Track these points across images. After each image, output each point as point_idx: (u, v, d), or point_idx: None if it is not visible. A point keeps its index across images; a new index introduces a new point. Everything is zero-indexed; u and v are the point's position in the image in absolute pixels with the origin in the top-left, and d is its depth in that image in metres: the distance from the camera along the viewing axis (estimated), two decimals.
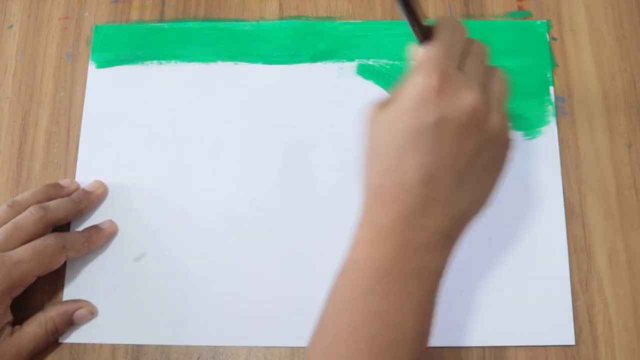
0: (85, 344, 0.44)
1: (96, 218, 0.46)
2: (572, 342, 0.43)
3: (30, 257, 0.40)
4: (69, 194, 0.45)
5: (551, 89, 0.48)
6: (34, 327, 0.41)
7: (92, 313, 0.44)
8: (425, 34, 0.34)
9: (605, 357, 0.42)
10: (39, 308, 0.44)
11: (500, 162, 0.35)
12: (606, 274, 0.44)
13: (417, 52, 0.34)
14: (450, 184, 0.32)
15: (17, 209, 0.42)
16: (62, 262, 0.42)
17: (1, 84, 0.50)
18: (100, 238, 0.45)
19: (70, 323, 0.43)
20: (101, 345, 0.44)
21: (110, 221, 0.46)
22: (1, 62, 0.51)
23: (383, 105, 0.34)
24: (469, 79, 0.33)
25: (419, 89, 0.32)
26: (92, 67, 0.50)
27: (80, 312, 0.43)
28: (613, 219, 0.45)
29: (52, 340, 0.43)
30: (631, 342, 0.43)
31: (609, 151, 0.47)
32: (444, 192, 0.32)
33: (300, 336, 0.43)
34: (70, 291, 0.45)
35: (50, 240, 0.41)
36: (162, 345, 0.44)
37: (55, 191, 0.45)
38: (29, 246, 0.41)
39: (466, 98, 0.32)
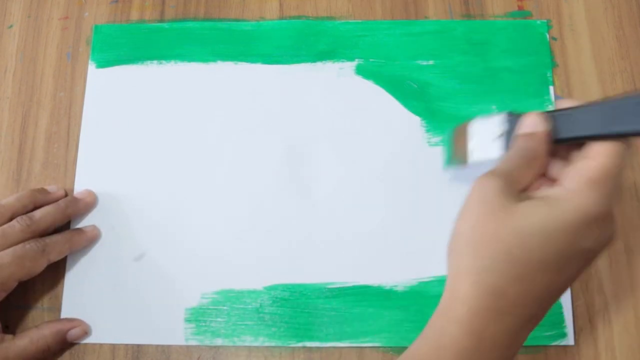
0: (85, 344, 0.44)
1: (96, 218, 0.46)
2: (572, 342, 0.43)
3: (11, 261, 0.40)
4: (55, 200, 0.45)
5: (551, 89, 0.48)
6: (25, 342, 0.41)
7: (86, 333, 0.43)
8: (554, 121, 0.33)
9: (605, 357, 0.42)
10: (39, 308, 0.44)
11: None
12: (606, 274, 0.44)
13: (543, 136, 0.32)
14: (552, 302, 0.31)
15: (1, 212, 0.42)
16: (44, 266, 0.42)
17: (1, 84, 0.50)
18: (81, 240, 0.45)
19: (63, 342, 0.43)
20: (101, 345, 0.44)
21: (94, 226, 0.46)
22: (1, 62, 0.51)
23: (506, 188, 0.31)
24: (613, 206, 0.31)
25: (592, 212, 0.29)
26: (92, 67, 0.50)
27: (74, 332, 0.43)
28: None
29: (43, 357, 0.42)
30: (631, 342, 0.43)
31: None
32: (545, 311, 0.31)
33: (300, 335, 0.43)
34: (70, 291, 0.45)
35: (30, 244, 0.41)
36: (162, 345, 0.44)
37: (41, 196, 0.45)
38: (9, 251, 0.41)
39: (612, 231, 0.31)
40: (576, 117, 0.32)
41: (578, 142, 0.33)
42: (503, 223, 0.30)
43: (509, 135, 0.36)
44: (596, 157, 0.30)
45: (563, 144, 0.33)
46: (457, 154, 0.42)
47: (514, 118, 0.36)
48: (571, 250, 0.30)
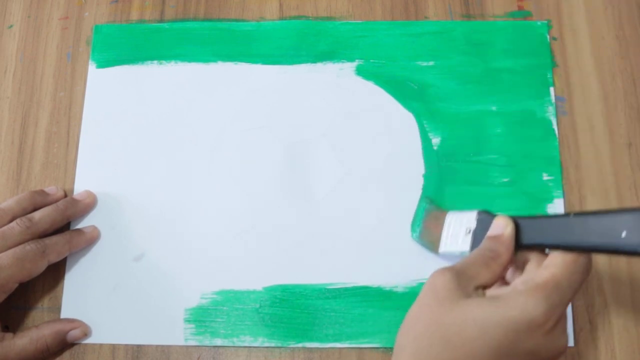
0: (85, 344, 0.44)
1: (96, 217, 0.46)
2: (571, 342, 0.43)
3: (11, 263, 0.40)
4: (54, 202, 0.45)
5: (551, 89, 0.48)
6: (25, 342, 0.41)
7: (86, 334, 0.43)
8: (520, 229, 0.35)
9: (605, 357, 0.42)
10: (39, 308, 0.44)
11: None
12: (606, 274, 0.44)
13: (509, 242, 0.35)
14: None
15: (0, 215, 0.42)
16: (45, 267, 0.42)
17: (1, 84, 0.50)
18: (81, 241, 0.45)
19: (63, 342, 0.43)
20: (101, 345, 0.44)
21: (93, 226, 0.46)
22: (1, 62, 0.51)
23: (460, 283, 0.33)
24: (565, 318, 0.33)
25: (531, 315, 0.31)
26: (92, 67, 0.50)
27: (73, 333, 0.43)
28: None
29: (42, 357, 0.42)
30: (631, 342, 0.43)
31: (609, 151, 0.47)
32: None
33: (300, 336, 0.43)
34: (70, 291, 0.45)
35: (30, 246, 0.41)
36: (162, 346, 0.44)
37: (40, 198, 0.45)
38: (9, 252, 0.41)
39: (562, 343, 0.32)
40: (542, 224, 0.35)
41: (542, 249, 0.35)
42: (446, 312, 0.32)
43: (478, 233, 0.38)
44: (549, 266, 0.33)
45: (528, 250, 0.35)
46: (428, 237, 0.43)
47: (486, 217, 0.38)
48: (510, 349, 0.31)
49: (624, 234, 0.30)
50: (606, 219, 0.31)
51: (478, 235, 0.38)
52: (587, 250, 0.33)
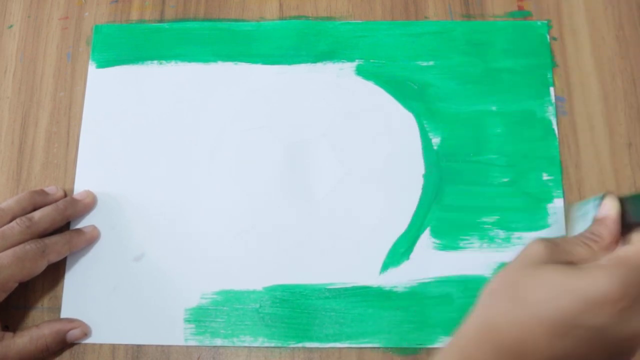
0: (85, 344, 0.44)
1: (96, 217, 0.46)
2: None
3: (11, 263, 0.40)
4: (54, 201, 0.45)
5: (551, 89, 0.48)
6: (24, 341, 0.41)
7: (86, 334, 0.43)
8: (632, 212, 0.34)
9: None
10: (39, 308, 0.44)
11: None
12: None
13: (615, 224, 0.34)
14: None
15: (0, 215, 0.42)
16: (44, 267, 0.42)
17: (1, 84, 0.50)
18: (81, 241, 0.45)
19: (62, 342, 0.43)
20: (101, 345, 0.44)
21: (93, 226, 0.46)
22: (1, 62, 0.51)
23: (553, 253, 0.32)
24: None
25: (609, 288, 0.29)
26: (92, 67, 0.50)
27: (73, 333, 0.43)
28: None
29: (42, 357, 0.42)
30: None
31: (609, 151, 0.47)
32: None
33: (300, 336, 0.43)
34: (70, 291, 0.45)
35: (30, 245, 0.41)
36: (162, 346, 0.44)
37: (40, 198, 0.45)
38: (9, 252, 0.41)
39: (636, 324, 0.30)
40: None
41: None
42: (525, 274, 0.32)
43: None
44: (636, 242, 0.32)
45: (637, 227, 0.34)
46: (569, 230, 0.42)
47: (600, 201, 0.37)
48: (576, 321, 0.30)
49: None
50: None
51: None
52: None
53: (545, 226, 0.45)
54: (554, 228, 0.45)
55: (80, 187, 0.47)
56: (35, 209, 0.44)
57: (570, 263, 0.33)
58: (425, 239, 0.45)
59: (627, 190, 0.46)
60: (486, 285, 0.33)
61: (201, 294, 0.44)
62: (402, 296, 0.44)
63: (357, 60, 0.49)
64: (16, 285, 0.41)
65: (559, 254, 0.33)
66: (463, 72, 0.49)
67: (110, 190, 0.47)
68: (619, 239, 0.34)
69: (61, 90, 0.50)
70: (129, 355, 0.43)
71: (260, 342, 0.43)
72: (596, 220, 0.35)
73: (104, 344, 0.44)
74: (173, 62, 0.50)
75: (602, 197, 0.37)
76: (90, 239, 0.45)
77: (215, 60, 0.50)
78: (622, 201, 0.35)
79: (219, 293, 0.44)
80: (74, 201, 0.45)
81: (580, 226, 0.39)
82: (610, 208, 0.35)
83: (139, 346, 0.44)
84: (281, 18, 0.51)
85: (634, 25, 0.50)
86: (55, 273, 0.45)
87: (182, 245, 0.46)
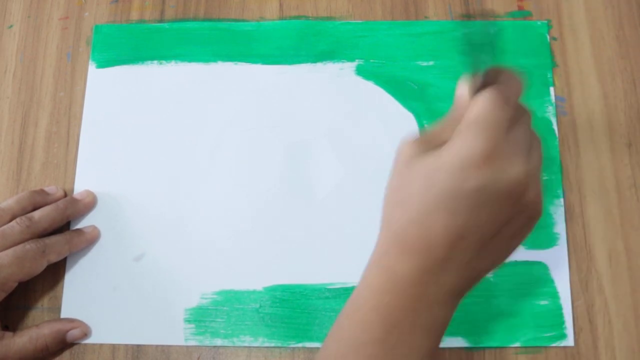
0: (85, 344, 0.44)
1: (96, 218, 0.46)
2: (571, 342, 0.43)
3: (11, 262, 0.40)
4: (54, 201, 0.45)
5: (551, 89, 0.48)
6: (24, 341, 0.41)
7: (86, 334, 0.43)
8: (482, 80, 0.33)
9: (605, 357, 0.42)
10: (39, 308, 0.44)
11: (527, 231, 0.34)
12: (606, 274, 0.44)
13: (468, 100, 0.33)
14: (473, 249, 0.32)
15: (0, 214, 0.42)
16: (44, 266, 0.42)
17: (1, 84, 0.50)
18: (81, 241, 0.45)
19: (62, 342, 0.43)
20: (101, 345, 0.44)
21: (93, 226, 0.46)
22: (1, 62, 0.51)
23: (420, 146, 0.33)
24: (516, 149, 0.31)
25: (466, 150, 0.30)
26: (92, 67, 0.50)
27: (73, 333, 0.43)
28: (613, 219, 0.45)
29: (42, 357, 0.42)
30: (631, 342, 0.43)
31: (609, 151, 0.47)
32: (465, 256, 0.32)
33: (300, 336, 0.43)
34: (70, 291, 0.45)
35: (30, 245, 0.41)
36: (161, 346, 0.44)
37: (40, 198, 0.45)
38: (9, 251, 0.41)
39: (511, 171, 0.31)
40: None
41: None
42: (403, 176, 0.32)
43: None
44: (472, 105, 0.32)
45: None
46: None
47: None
48: (456, 190, 0.30)
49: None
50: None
51: None
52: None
53: (545, 226, 0.45)
54: (554, 228, 0.45)
55: (80, 187, 0.47)
56: (35, 209, 0.44)
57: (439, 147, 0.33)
58: None
59: (627, 191, 0.46)
60: (383, 199, 0.34)
61: (201, 294, 0.44)
62: None
63: (357, 60, 0.49)
64: (16, 284, 0.41)
65: (428, 145, 0.33)
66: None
67: (110, 190, 0.47)
68: None
69: (61, 90, 0.50)
70: (129, 355, 0.43)
71: (260, 342, 0.43)
72: (454, 103, 0.35)
73: (104, 344, 0.44)
74: (173, 62, 0.50)
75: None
76: (90, 239, 0.45)
77: (215, 60, 0.50)
78: (476, 75, 0.34)
79: (219, 293, 0.44)
80: (74, 201, 0.45)
81: None
82: (461, 87, 0.35)
83: (139, 346, 0.44)
84: (281, 18, 0.51)
85: (634, 25, 0.50)
86: (55, 273, 0.45)
87: (182, 245, 0.46)
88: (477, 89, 0.33)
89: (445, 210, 0.30)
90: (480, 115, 0.31)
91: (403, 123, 0.48)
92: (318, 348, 0.43)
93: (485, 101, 0.31)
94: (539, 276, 0.44)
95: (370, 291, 0.33)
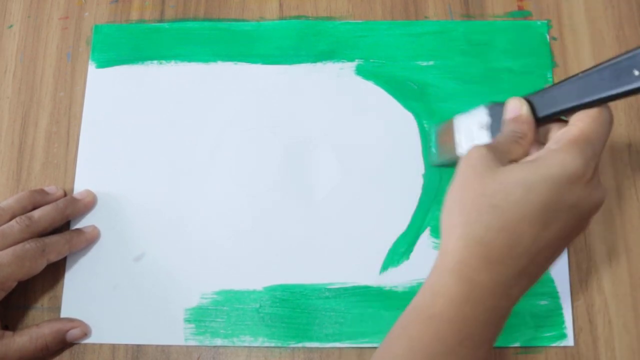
0: (85, 344, 0.44)
1: (96, 217, 0.46)
2: (571, 342, 0.43)
3: (10, 261, 0.40)
4: (54, 201, 0.45)
5: None
6: (24, 340, 0.41)
7: (86, 334, 0.43)
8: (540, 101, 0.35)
9: (605, 357, 0.42)
10: (39, 308, 0.44)
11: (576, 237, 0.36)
12: (606, 274, 0.44)
13: (529, 118, 0.35)
14: (545, 261, 0.32)
15: (0, 214, 0.42)
16: (44, 266, 0.42)
17: (1, 84, 0.50)
18: (81, 241, 0.45)
19: (62, 342, 0.43)
20: (101, 345, 0.44)
21: (93, 226, 0.46)
22: (1, 62, 0.51)
23: (495, 155, 0.33)
24: (598, 173, 0.33)
25: (571, 166, 0.31)
26: (92, 67, 0.50)
27: (73, 332, 0.43)
28: (613, 219, 0.45)
29: (42, 356, 0.42)
30: (631, 342, 0.43)
31: (609, 151, 0.47)
32: (537, 268, 0.32)
33: (300, 336, 0.43)
34: (70, 291, 0.45)
35: (29, 244, 0.41)
36: (161, 345, 0.44)
37: (40, 197, 0.45)
38: (9, 250, 0.41)
39: (601, 195, 0.33)
40: (553, 94, 0.35)
41: (559, 119, 0.36)
42: (489, 182, 0.32)
43: (494, 125, 0.38)
44: (576, 123, 0.33)
45: (547, 122, 0.36)
46: (444, 151, 0.43)
47: (495, 107, 0.38)
48: (555, 204, 0.31)
49: (636, 72, 0.31)
50: (615, 65, 0.32)
51: (494, 127, 0.38)
52: (605, 100, 0.33)
53: None
54: None
55: (80, 186, 0.47)
56: (35, 208, 0.44)
57: (511, 162, 0.34)
58: (425, 239, 0.45)
59: (627, 191, 0.46)
60: (448, 208, 0.33)
61: (201, 294, 0.44)
62: (402, 296, 0.44)
63: (357, 60, 0.49)
64: (15, 284, 0.41)
65: (501, 155, 0.34)
66: (463, 72, 0.49)
67: (110, 190, 0.47)
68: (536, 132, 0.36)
69: (61, 90, 0.50)
70: (129, 355, 0.43)
71: (260, 342, 0.43)
72: (510, 121, 0.36)
73: (104, 344, 0.44)
74: (173, 62, 0.50)
75: (489, 106, 0.39)
76: (90, 239, 0.45)
77: (215, 60, 0.50)
78: (527, 100, 0.36)
79: (219, 293, 0.44)
80: (74, 200, 0.45)
81: (466, 136, 0.40)
82: (520, 106, 0.36)
83: (139, 346, 0.44)
84: (281, 18, 0.51)
85: (634, 25, 0.50)
86: (55, 273, 0.45)
87: (182, 245, 0.46)
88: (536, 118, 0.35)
89: (538, 222, 0.31)
90: (587, 136, 0.32)
91: (403, 123, 0.48)
92: (318, 348, 0.43)
93: (590, 123, 0.33)
94: None
95: (446, 300, 0.32)
